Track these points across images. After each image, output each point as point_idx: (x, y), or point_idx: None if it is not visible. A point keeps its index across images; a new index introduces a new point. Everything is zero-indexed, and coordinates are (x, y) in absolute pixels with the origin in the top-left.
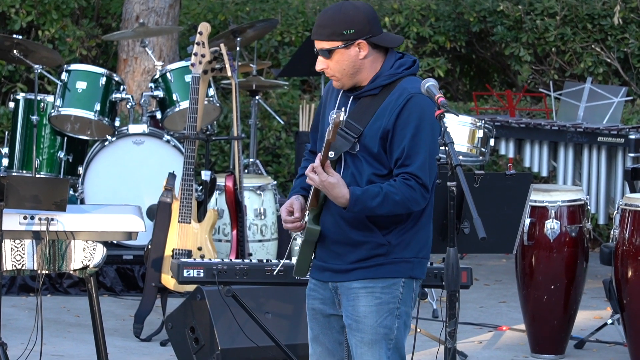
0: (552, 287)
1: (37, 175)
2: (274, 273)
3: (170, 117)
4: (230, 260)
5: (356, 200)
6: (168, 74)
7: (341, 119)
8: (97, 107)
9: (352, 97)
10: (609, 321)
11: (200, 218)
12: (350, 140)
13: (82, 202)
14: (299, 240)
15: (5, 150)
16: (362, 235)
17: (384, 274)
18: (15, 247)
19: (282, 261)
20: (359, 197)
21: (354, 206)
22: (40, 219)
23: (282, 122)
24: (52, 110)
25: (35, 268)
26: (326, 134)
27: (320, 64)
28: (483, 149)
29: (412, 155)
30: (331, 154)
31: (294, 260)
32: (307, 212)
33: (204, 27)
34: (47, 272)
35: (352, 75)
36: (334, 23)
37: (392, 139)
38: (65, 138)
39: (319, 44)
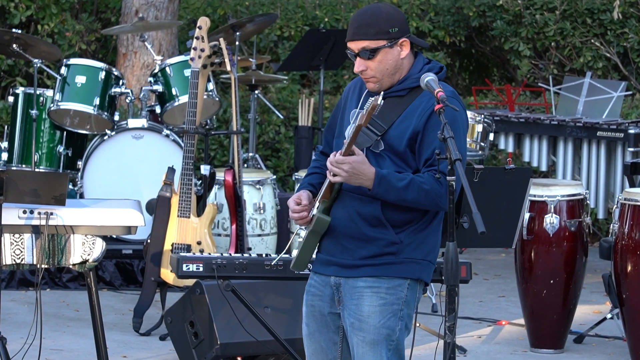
0: (552, 281)
1: (37, 170)
2: (272, 263)
3: (169, 111)
4: (230, 254)
5: (382, 179)
6: (167, 69)
7: (379, 102)
8: (97, 101)
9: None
10: (609, 316)
11: (199, 212)
12: (372, 138)
13: (82, 196)
14: (303, 234)
15: (5, 144)
16: (375, 232)
17: (391, 273)
18: (15, 241)
19: (279, 255)
20: (385, 175)
21: (379, 185)
22: (39, 213)
23: (281, 117)
24: (52, 105)
25: (35, 262)
26: (358, 118)
27: (360, 65)
28: (482, 144)
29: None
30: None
31: (294, 253)
32: (316, 204)
33: (203, 22)
34: (46, 266)
35: (392, 75)
36: (380, 21)
37: (422, 140)
38: (65, 132)
39: (360, 44)
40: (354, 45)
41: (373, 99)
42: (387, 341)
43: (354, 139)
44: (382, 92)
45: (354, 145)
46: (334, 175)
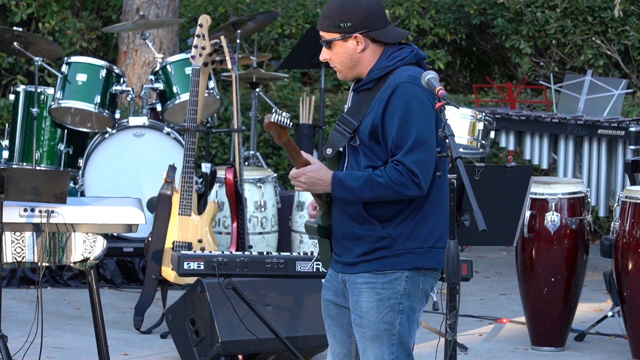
0: (553, 279)
1: (38, 168)
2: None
3: (170, 109)
4: (231, 252)
5: (338, 182)
6: (168, 67)
7: (271, 120)
8: (98, 99)
9: (353, 92)
10: (609, 313)
11: (200, 210)
12: (345, 136)
13: (83, 194)
14: None
15: (6, 142)
16: (362, 229)
17: (386, 267)
18: (16, 239)
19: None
20: (340, 178)
21: (336, 188)
22: (40, 212)
23: None
24: (53, 103)
25: (36, 260)
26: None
27: (324, 54)
28: (483, 142)
29: (401, 144)
30: (329, 150)
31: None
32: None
33: (204, 20)
34: (47, 264)
35: (350, 67)
36: (333, 15)
37: (383, 132)
38: (66, 130)
39: (321, 34)
40: (320, 34)
41: (266, 117)
42: (388, 336)
43: (293, 153)
44: (274, 109)
45: (329, 155)
46: (297, 187)
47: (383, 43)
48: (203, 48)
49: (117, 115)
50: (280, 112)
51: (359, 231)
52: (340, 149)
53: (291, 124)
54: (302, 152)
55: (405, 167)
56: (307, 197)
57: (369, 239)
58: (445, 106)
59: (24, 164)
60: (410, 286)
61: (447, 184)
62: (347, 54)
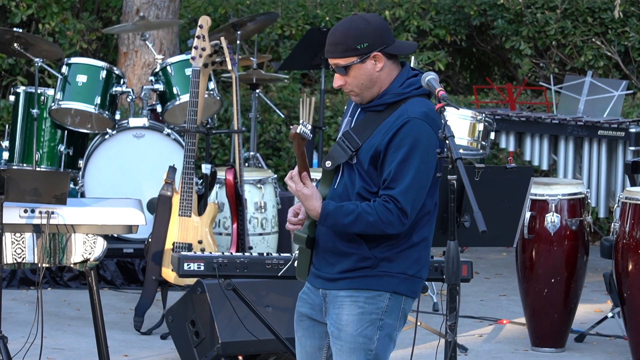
0: (553, 280)
1: (38, 169)
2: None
3: (170, 110)
4: (231, 253)
5: (327, 215)
6: (168, 68)
7: (297, 131)
8: (98, 100)
9: (360, 108)
10: (610, 314)
11: (200, 211)
12: (347, 153)
13: (83, 195)
14: None
15: (6, 143)
16: (348, 247)
17: (368, 285)
18: (16, 240)
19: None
20: (330, 212)
21: (324, 220)
22: (40, 212)
23: (282, 116)
24: (53, 104)
25: (36, 261)
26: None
27: (338, 80)
28: (483, 143)
29: (397, 179)
30: (328, 163)
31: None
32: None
33: (205, 21)
34: (47, 265)
35: (369, 88)
36: (347, 39)
37: (383, 160)
38: (66, 131)
39: (334, 61)
40: (331, 62)
41: (292, 127)
42: (365, 351)
43: (302, 165)
44: (301, 121)
45: (328, 168)
46: (289, 186)
47: (398, 62)
48: (203, 49)
49: (117, 117)
50: (305, 123)
51: (345, 248)
52: None
53: (311, 135)
54: (305, 173)
55: (397, 206)
56: None
57: (353, 257)
58: (446, 107)
59: (24, 165)
60: (393, 305)
61: (435, 215)
62: (366, 75)
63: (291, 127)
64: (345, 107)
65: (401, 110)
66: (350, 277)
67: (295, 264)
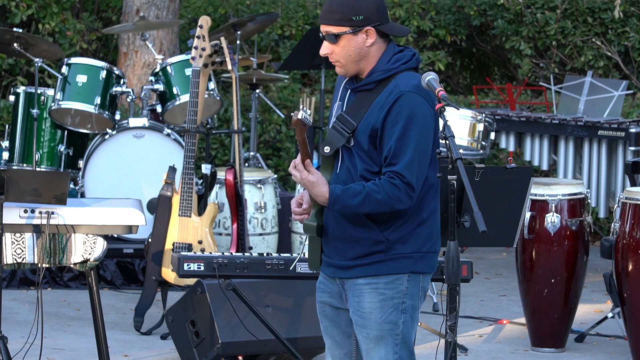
0: (553, 280)
1: (38, 169)
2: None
3: (170, 110)
4: (231, 253)
5: (336, 199)
6: (168, 68)
7: (299, 117)
8: (98, 100)
9: (349, 90)
10: (610, 315)
11: (200, 211)
12: (344, 135)
13: (83, 195)
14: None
15: (6, 143)
16: (360, 232)
17: (385, 270)
18: (16, 240)
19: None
20: (339, 196)
21: (333, 205)
22: (40, 213)
23: (282, 116)
24: (53, 104)
25: (36, 261)
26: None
27: (325, 48)
28: (483, 143)
29: (399, 154)
30: (327, 149)
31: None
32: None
33: (205, 21)
34: (47, 265)
35: (356, 62)
36: (344, 8)
37: (382, 137)
38: (66, 131)
39: (326, 28)
40: (322, 29)
41: (293, 114)
42: (392, 336)
43: (304, 152)
44: (301, 107)
45: (327, 154)
46: (293, 176)
47: (388, 39)
48: (203, 49)
49: (117, 117)
50: (305, 109)
51: (356, 233)
52: None
53: (311, 121)
54: (308, 160)
55: (403, 180)
56: None
57: (365, 242)
58: (446, 107)
59: (24, 165)
60: (412, 285)
61: (439, 188)
62: (355, 48)
63: (292, 114)
64: (334, 93)
65: (392, 85)
66: (365, 264)
67: (306, 255)
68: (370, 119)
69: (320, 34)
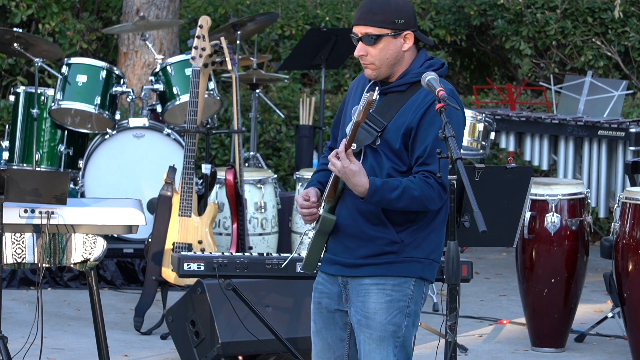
0: (553, 280)
1: (38, 169)
2: (282, 266)
3: (170, 110)
4: (231, 253)
5: (375, 191)
6: (168, 68)
7: (374, 97)
8: (98, 100)
9: (378, 92)
10: (610, 314)
11: (200, 211)
12: (373, 134)
13: (83, 195)
14: (311, 235)
15: (6, 143)
16: (376, 231)
17: (394, 272)
18: (16, 240)
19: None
20: (378, 187)
21: (372, 196)
22: (40, 213)
23: (282, 116)
24: (53, 104)
25: (36, 261)
26: (355, 116)
27: (360, 50)
28: (483, 143)
29: (434, 155)
30: (354, 146)
31: (302, 254)
32: (323, 203)
33: (205, 21)
34: (47, 265)
35: (391, 65)
36: (387, 11)
37: (416, 137)
38: (66, 131)
39: (364, 29)
40: (359, 30)
41: (368, 94)
42: (394, 338)
43: (353, 136)
44: (377, 87)
45: (353, 150)
46: (332, 164)
47: (418, 46)
48: (203, 49)
49: (117, 117)
50: (375, 88)
51: (372, 232)
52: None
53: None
54: (350, 150)
55: (438, 181)
56: None
57: (380, 242)
58: (446, 107)
59: (24, 165)
60: (417, 291)
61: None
62: (394, 51)
63: (367, 94)
64: (348, 95)
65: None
66: (375, 264)
67: (302, 255)
68: (404, 118)
69: (353, 35)
